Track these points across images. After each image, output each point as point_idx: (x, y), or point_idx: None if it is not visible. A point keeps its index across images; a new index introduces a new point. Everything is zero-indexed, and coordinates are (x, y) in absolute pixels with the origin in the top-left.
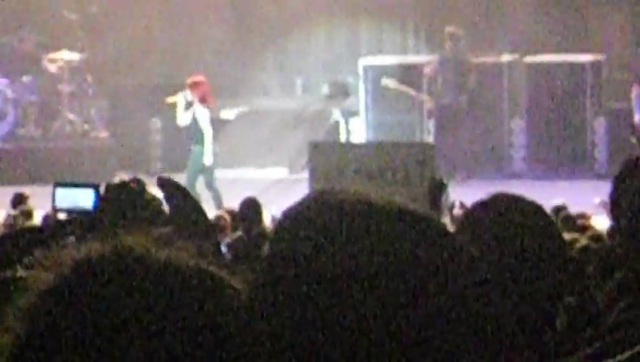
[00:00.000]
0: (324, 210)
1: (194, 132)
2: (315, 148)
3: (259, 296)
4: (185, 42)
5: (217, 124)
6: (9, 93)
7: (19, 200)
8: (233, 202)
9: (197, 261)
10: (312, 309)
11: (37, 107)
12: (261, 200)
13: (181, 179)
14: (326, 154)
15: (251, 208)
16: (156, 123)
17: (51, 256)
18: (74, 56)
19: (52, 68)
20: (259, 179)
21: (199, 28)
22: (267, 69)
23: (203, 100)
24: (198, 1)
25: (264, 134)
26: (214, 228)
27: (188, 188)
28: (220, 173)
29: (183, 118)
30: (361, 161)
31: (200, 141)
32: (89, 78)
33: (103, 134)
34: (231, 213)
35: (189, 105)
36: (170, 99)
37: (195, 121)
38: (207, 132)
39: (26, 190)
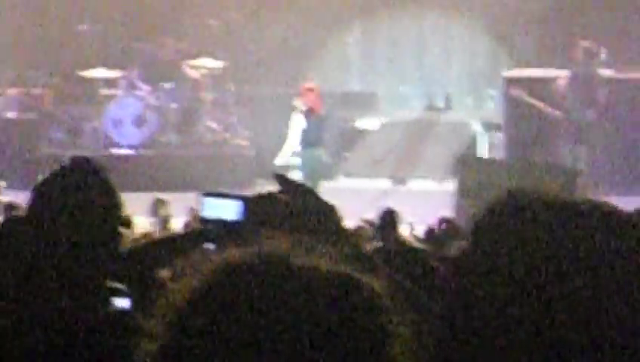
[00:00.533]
0: (521, 208)
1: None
2: (462, 163)
3: (459, 298)
4: (324, 49)
5: (355, 133)
6: (151, 100)
7: (159, 206)
8: (369, 212)
9: (338, 265)
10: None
11: (178, 114)
12: (398, 210)
13: (323, 190)
14: (474, 169)
15: (390, 219)
16: None
17: (194, 262)
18: (215, 63)
19: (193, 75)
20: (395, 190)
21: (339, 35)
22: (407, 81)
23: (313, 108)
24: (337, 8)
25: (403, 145)
26: (353, 234)
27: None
28: (357, 183)
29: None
30: (507, 178)
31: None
32: (230, 86)
33: (244, 142)
34: (368, 222)
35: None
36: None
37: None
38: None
39: (165, 196)
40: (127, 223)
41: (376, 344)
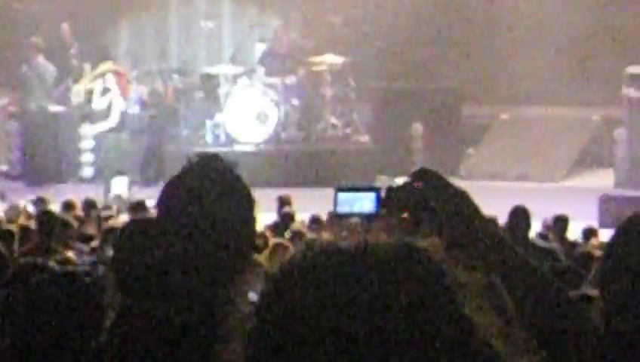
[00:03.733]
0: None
1: None
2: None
3: None
4: (442, 48)
5: (477, 130)
6: (273, 96)
7: (283, 202)
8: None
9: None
10: None
11: (300, 110)
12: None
13: None
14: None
15: (521, 217)
16: (418, 128)
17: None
18: (337, 59)
19: (316, 71)
20: (521, 188)
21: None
22: (525, 75)
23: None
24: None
25: (526, 143)
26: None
27: None
28: (481, 183)
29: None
30: None
31: None
32: (352, 82)
33: (364, 138)
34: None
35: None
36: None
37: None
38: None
39: (288, 192)
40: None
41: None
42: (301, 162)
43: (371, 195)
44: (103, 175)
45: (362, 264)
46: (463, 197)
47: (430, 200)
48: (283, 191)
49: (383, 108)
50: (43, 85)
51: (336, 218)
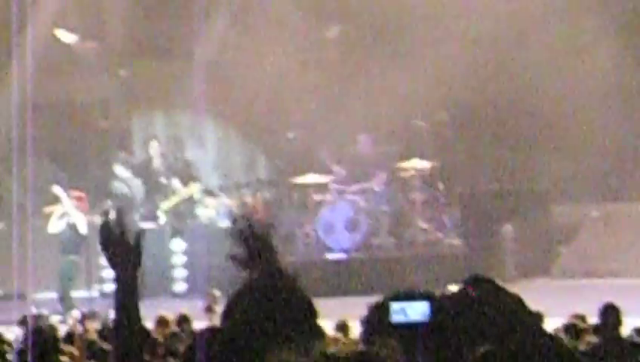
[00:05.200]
0: None
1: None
2: None
3: None
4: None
5: (568, 228)
6: (362, 204)
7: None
8: (584, 307)
9: None
10: None
11: (389, 216)
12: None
13: (536, 285)
14: None
15: (611, 314)
16: (508, 229)
17: None
18: (425, 164)
19: (404, 177)
20: (612, 285)
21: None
22: (613, 171)
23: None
24: None
25: (617, 239)
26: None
27: None
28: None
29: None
30: None
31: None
32: (440, 186)
33: (456, 242)
34: (579, 317)
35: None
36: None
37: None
38: None
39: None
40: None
41: None
42: (393, 268)
43: (424, 304)
44: (195, 290)
45: None
46: (517, 304)
47: (485, 308)
48: (375, 299)
49: (472, 211)
50: (132, 201)
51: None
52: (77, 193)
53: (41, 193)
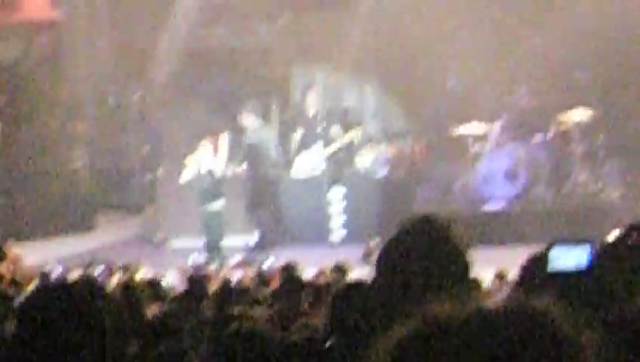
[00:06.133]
0: None
1: None
2: None
3: None
4: None
5: None
6: (521, 154)
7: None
8: None
9: None
10: None
11: (549, 167)
12: None
13: None
14: None
15: None
16: None
17: None
18: (586, 114)
19: (564, 127)
20: None
21: None
22: None
23: None
24: None
25: None
26: None
27: None
28: None
29: None
30: None
31: None
32: (601, 137)
33: (615, 194)
34: None
35: None
36: None
37: None
38: None
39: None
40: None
41: None
42: (551, 220)
43: (585, 249)
44: (354, 238)
45: (480, 331)
46: None
47: None
48: (533, 249)
49: (633, 163)
50: (264, 151)
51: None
52: (213, 138)
53: (197, 140)
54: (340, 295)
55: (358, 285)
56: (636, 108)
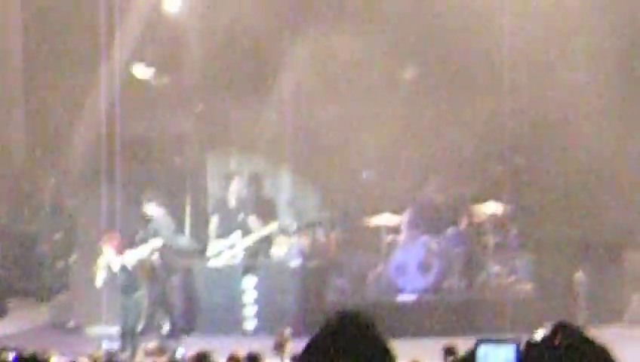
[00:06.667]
0: None
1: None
2: None
3: None
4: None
5: None
6: (434, 246)
7: (448, 352)
8: None
9: None
10: None
11: (462, 259)
12: None
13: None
14: None
15: None
16: (581, 275)
17: None
18: (499, 208)
19: (477, 219)
20: None
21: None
22: None
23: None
24: None
25: None
26: None
27: None
28: None
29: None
30: None
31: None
32: (514, 230)
33: (527, 287)
34: None
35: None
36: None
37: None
38: None
39: (452, 342)
40: None
41: None
42: (464, 311)
43: (510, 348)
44: (266, 328)
45: None
46: (604, 355)
47: (569, 358)
48: (448, 341)
49: (545, 257)
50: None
51: None
52: (112, 234)
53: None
54: None
55: None
56: (548, 201)
